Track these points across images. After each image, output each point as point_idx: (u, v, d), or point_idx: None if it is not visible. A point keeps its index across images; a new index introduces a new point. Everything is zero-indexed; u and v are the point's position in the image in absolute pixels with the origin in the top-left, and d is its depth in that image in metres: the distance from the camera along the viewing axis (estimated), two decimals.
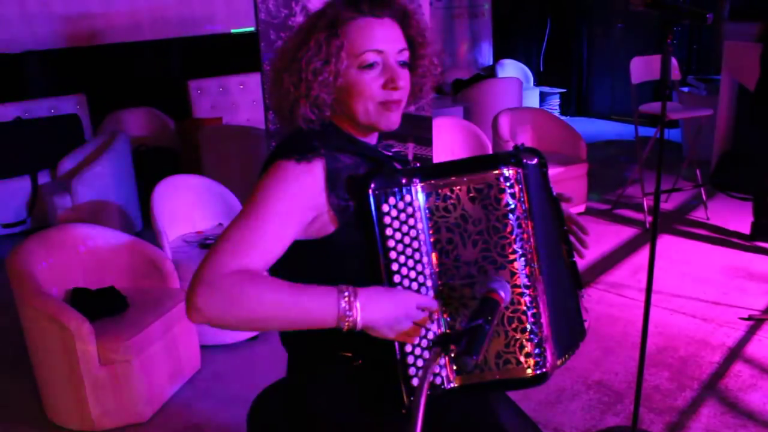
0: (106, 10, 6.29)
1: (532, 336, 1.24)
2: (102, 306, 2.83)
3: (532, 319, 1.24)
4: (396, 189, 1.24)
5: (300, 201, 1.22)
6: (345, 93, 1.31)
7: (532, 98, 7.94)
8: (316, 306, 1.16)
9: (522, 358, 1.24)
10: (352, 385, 1.33)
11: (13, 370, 3.21)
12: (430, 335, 1.27)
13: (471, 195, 1.24)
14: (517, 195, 1.24)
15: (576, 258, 1.49)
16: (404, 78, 1.32)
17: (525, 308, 1.23)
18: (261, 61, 3.37)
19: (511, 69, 8.12)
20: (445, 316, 1.27)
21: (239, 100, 6.62)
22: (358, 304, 1.17)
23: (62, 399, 2.72)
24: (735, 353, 3.08)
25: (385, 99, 1.30)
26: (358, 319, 1.17)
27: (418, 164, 1.42)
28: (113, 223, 4.60)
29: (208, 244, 3.45)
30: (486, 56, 8.77)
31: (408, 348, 1.25)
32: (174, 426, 2.75)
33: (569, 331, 1.38)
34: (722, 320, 3.38)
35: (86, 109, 5.78)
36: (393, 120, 1.33)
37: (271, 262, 1.20)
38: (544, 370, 1.25)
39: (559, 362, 1.31)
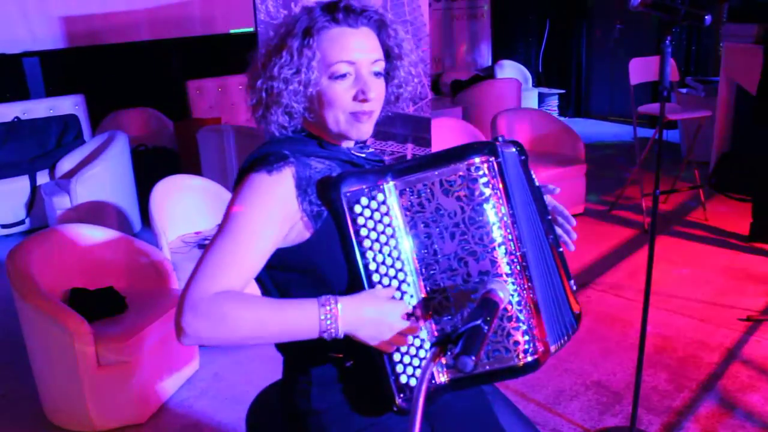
0: (105, 11, 6.30)
1: (518, 324, 1.24)
2: (101, 306, 2.83)
3: (518, 307, 1.24)
4: (368, 189, 1.24)
5: (274, 213, 1.22)
6: (316, 102, 1.31)
7: (530, 99, 7.95)
8: (297, 320, 1.18)
9: (510, 347, 1.24)
10: (344, 384, 1.34)
11: (11, 370, 3.21)
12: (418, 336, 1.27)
13: (444, 188, 1.24)
14: (491, 184, 1.24)
15: (565, 251, 1.48)
16: (376, 89, 1.31)
17: (509, 293, 1.23)
18: None
19: (509, 70, 8.13)
20: (428, 318, 1.26)
21: (238, 101, 6.61)
22: (339, 315, 1.18)
23: (61, 399, 2.72)
24: (733, 354, 3.08)
25: (355, 110, 1.30)
26: (339, 329, 1.19)
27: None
28: (112, 223, 4.61)
29: (207, 245, 3.44)
30: (485, 57, 8.78)
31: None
32: (173, 426, 2.75)
33: (560, 319, 1.37)
34: (720, 321, 3.38)
35: (85, 110, 5.78)
36: (364, 131, 1.33)
37: (251, 277, 1.22)
38: (535, 357, 1.24)
39: (552, 348, 1.31)
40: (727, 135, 5.39)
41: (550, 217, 1.45)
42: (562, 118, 7.42)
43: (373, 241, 1.25)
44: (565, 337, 1.38)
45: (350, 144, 1.40)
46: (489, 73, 8.13)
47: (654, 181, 2.34)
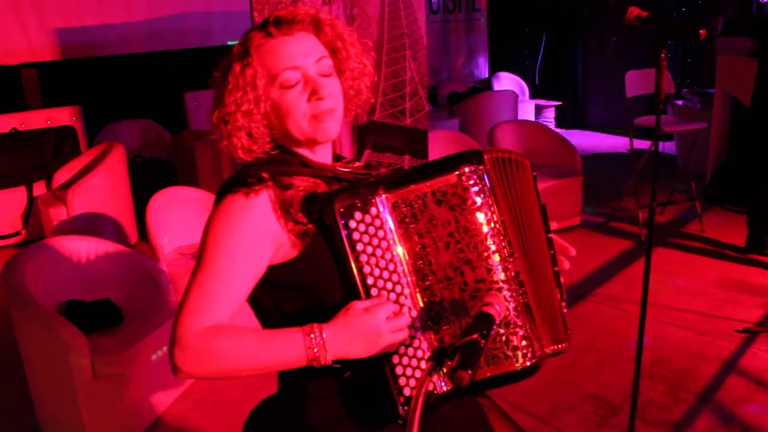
0: (103, 23, 6.32)
1: (516, 329, 1.24)
2: (97, 318, 2.82)
3: (514, 313, 1.24)
4: (361, 204, 1.24)
5: (252, 235, 1.22)
6: (275, 116, 1.32)
7: (527, 111, 7.98)
8: (284, 352, 1.19)
9: (509, 352, 1.24)
10: (343, 396, 1.32)
11: (6, 382, 3.19)
12: (416, 342, 1.26)
13: (437, 198, 1.24)
14: (483, 192, 1.24)
15: (565, 270, 1.47)
16: (329, 86, 1.32)
17: (505, 303, 1.23)
18: None
19: (506, 82, 8.16)
20: (428, 329, 1.26)
21: None
22: (325, 343, 1.18)
23: (56, 412, 2.71)
24: (730, 366, 3.08)
25: (313, 112, 1.30)
26: (328, 357, 1.19)
27: (379, 173, 1.41)
28: (108, 234, 4.60)
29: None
30: (482, 69, 8.83)
31: (396, 359, 1.25)
32: None
33: (555, 327, 1.36)
34: (717, 333, 3.38)
35: (82, 121, 5.79)
36: (329, 130, 1.33)
37: (239, 304, 1.22)
38: (533, 360, 1.25)
39: (548, 350, 1.31)
40: (723, 147, 5.41)
41: (551, 236, 1.43)
42: (558, 130, 7.46)
43: (369, 256, 1.24)
44: (561, 345, 1.37)
45: (327, 152, 1.40)
46: (486, 85, 8.17)
47: (651, 192, 2.35)
